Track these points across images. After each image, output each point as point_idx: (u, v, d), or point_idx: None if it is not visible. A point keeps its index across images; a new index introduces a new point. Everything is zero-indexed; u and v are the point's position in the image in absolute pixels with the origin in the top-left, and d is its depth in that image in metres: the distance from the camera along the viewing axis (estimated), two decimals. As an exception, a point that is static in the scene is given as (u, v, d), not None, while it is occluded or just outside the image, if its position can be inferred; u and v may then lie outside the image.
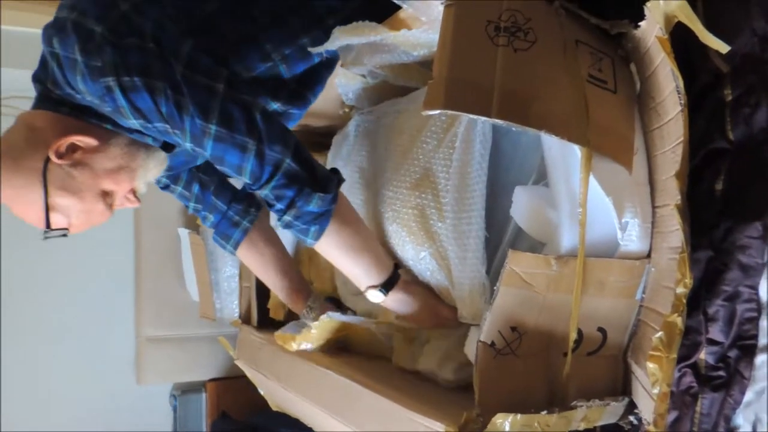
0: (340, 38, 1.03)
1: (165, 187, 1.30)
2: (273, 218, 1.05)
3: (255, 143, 0.95)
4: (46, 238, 1.01)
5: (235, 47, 1.02)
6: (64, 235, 1.03)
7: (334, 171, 1.06)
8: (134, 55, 0.89)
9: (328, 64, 1.17)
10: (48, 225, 0.99)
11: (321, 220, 1.01)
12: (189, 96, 0.91)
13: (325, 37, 1.07)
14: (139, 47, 0.90)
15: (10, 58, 1.86)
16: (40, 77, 1.00)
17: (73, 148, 0.98)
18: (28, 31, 1.86)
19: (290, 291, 1.35)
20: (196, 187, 1.30)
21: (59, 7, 0.96)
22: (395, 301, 1.12)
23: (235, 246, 1.32)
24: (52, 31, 0.93)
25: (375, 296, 1.11)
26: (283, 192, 0.98)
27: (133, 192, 1.08)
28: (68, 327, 2.18)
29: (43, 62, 0.99)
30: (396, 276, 1.11)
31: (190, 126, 0.93)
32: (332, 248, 1.06)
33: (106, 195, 1.03)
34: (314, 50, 1.04)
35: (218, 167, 1.00)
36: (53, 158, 0.97)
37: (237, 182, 1.26)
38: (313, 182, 0.99)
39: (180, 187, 1.30)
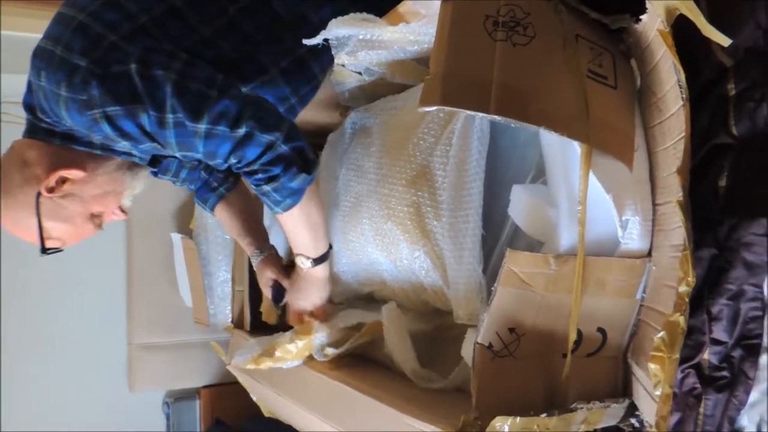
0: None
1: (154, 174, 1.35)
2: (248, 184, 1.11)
3: (246, 131, 0.99)
4: (43, 255, 1.12)
5: (234, 63, 1.06)
6: (60, 250, 1.14)
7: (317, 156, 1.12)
8: (119, 83, 0.94)
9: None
10: (43, 249, 1.10)
11: (296, 195, 1.08)
12: (180, 105, 0.95)
13: (323, 50, 1.11)
14: (124, 73, 0.94)
15: (10, 63, 1.85)
16: (30, 104, 1.06)
17: (63, 180, 1.06)
18: (28, 36, 1.83)
19: (249, 244, 1.46)
20: (184, 172, 1.37)
21: (48, 36, 1.00)
22: (313, 273, 1.25)
23: (212, 208, 1.45)
24: (41, 63, 0.98)
25: (304, 263, 1.23)
26: (270, 168, 1.03)
27: (120, 207, 1.17)
28: (59, 333, 2.15)
29: (30, 88, 1.05)
30: (326, 255, 1.24)
31: (175, 136, 0.98)
32: (293, 220, 1.14)
33: (94, 216, 1.13)
34: (309, 42, 1.04)
35: (209, 162, 1.05)
36: (44, 193, 1.05)
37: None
38: (300, 164, 1.05)
39: (168, 176, 1.36)
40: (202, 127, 0.97)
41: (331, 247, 1.26)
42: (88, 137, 1.05)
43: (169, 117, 0.95)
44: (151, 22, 0.99)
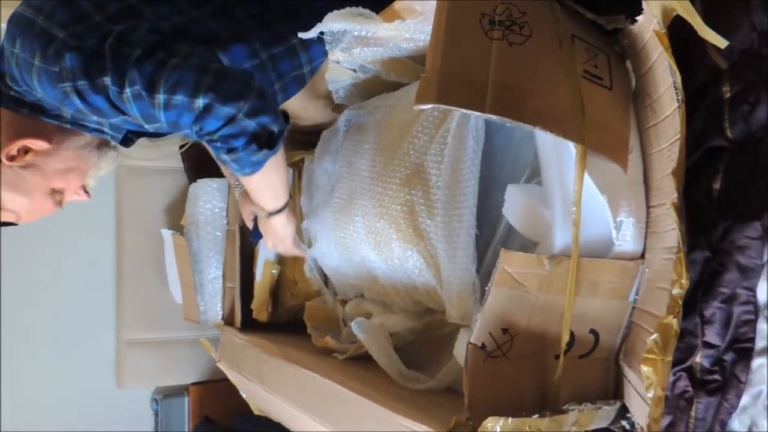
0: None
1: None
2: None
3: (204, 101, 0.92)
4: None
5: (225, 43, 1.04)
6: (15, 224, 1.11)
7: (287, 121, 1.08)
8: (91, 58, 0.91)
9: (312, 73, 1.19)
10: None
11: (256, 166, 1.03)
12: (138, 75, 0.90)
13: (313, 41, 1.09)
14: (98, 49, 0.91)
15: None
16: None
17: (25, 150, 1.02)
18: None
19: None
20: None
21: (29, 3, 0.96)
22: (270, 222, 1.27)
23: None
24: (16, 30, 0.95)
25: (260, 214, 1.29)
26: (230, 141, 0.96)
27: (83, 188, 1.13)
28: (47, 329, 2.13)
29: (2, 55, 1.01)
30: (283, 208, 1.25)
31: (137, 109, 0.93)
32: (254, 181, 1.10)
33: (55, 192, 1.09)
34: (305, 35, 1.03)
35: (177, 133, 1.02)
36: (4, 160, 1.01)
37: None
38: (264, 140, 0.98)
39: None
40: (159, 97, 0.91)
41: (289, 200, 1.27)
42: (59, 110, 1.02)
43: (128, 90, 0.91)
44: (139, 1, 0.97)
